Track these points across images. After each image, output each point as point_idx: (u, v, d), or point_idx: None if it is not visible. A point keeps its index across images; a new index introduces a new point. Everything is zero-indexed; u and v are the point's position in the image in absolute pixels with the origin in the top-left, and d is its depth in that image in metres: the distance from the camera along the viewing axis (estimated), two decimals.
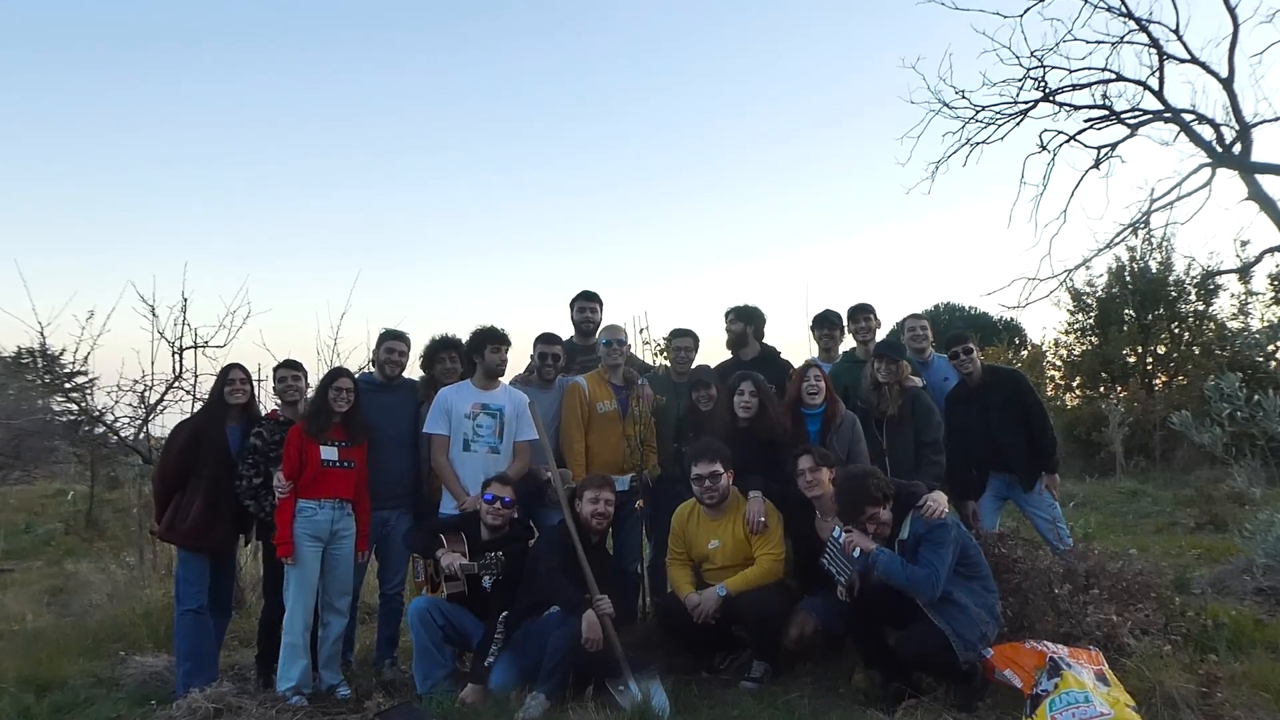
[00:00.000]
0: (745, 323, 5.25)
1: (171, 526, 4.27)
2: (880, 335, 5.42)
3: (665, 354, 5.27)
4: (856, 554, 3.61)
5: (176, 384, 6.22)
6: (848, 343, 5.47)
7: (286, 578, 4.19)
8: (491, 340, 4.63)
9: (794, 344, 5.28)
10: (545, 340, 4.89)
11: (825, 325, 5.38)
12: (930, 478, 4.42)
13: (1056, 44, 9.27)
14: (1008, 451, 4.86)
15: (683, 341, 5.20)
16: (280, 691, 4.09)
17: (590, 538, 4.17)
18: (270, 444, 4.31)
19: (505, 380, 4.78)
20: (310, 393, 4.54)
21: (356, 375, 4.61)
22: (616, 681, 3.82)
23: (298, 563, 4.13)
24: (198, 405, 6.03)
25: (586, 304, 5.28)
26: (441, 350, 4.86)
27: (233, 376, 4.40)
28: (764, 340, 5.33)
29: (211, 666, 4.25)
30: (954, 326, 11.57)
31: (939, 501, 3.74)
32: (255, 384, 4.56)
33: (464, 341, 4.83)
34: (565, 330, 5.40)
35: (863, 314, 5.28)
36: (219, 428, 4.34)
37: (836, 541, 3.70)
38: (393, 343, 4.72)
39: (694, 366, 5.07)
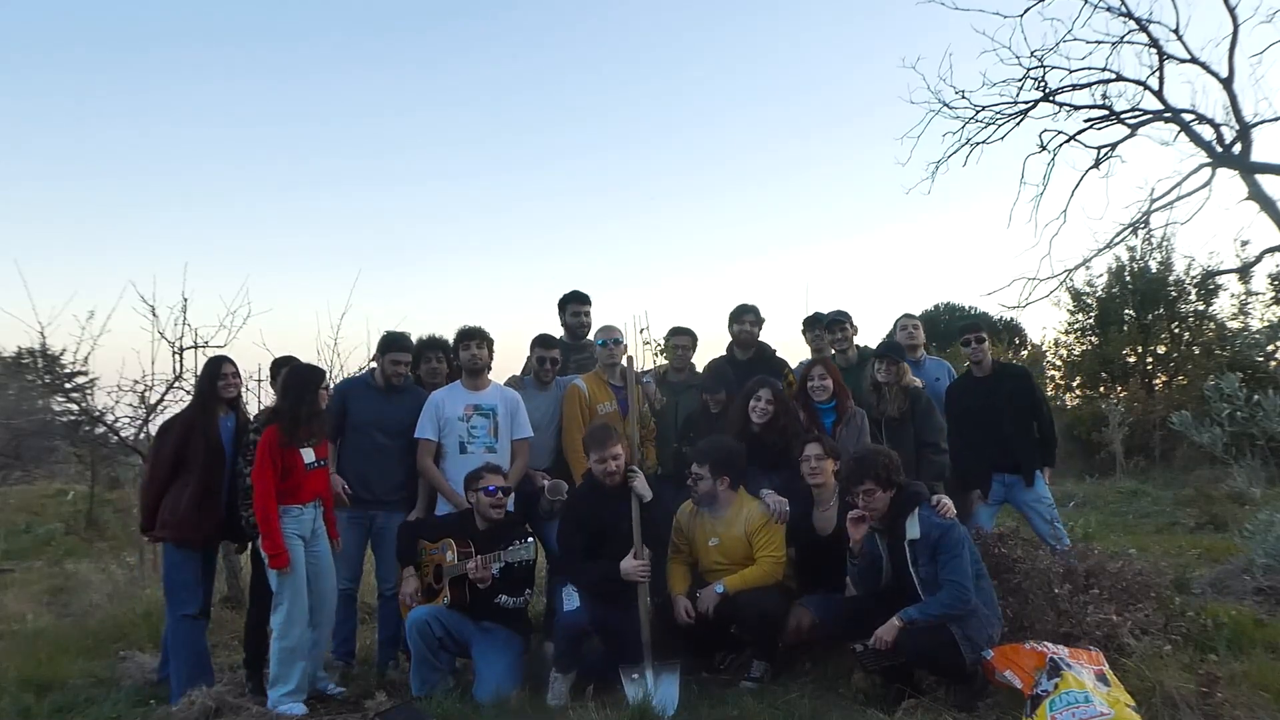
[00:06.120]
0: (760, 327, 5.30)
1: (162, 523, 4.20)
2: (860, 339, 5.46)
3: (664, 354, 5.28)
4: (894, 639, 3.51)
5: (176, 384, 6.22)
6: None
7: (278, 584, 3.97)
8: (462, 338, 4.63)
9: (794, 344, 5.35)
10: (543, 344, 4.89)
11: (816, 327, 5.39)
12: (931, 477, 4.44)
13: (1056, 44, 9.29)
14: (1015, 445, 4.86)
15: (681, 340, 5.21)
16: (277, 699, 3.94)
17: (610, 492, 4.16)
18: None
19: (500, 380, 4.78)
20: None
21: (356, 375, 4.62)
22: (631, 670, 3.85)
23: (291, 567, 3.97)
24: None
25: (580, 307, 5.28)
26: (428, 350, 4.85)
27: (226, 370, 4.34)
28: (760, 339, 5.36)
29: (209, 673, 4.19)
30: (954, 326, 11.54)
31: (947, 503, 3.82)
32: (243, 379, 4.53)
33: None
34: (556, 331, 5.40)
35: (839, 325, 5.24)
36: (213, 420, 4.27)
37: (872, 649, 3.56)
38: (398, 354, 4.68)
39: (709, 361, 5.07)
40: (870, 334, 6.56)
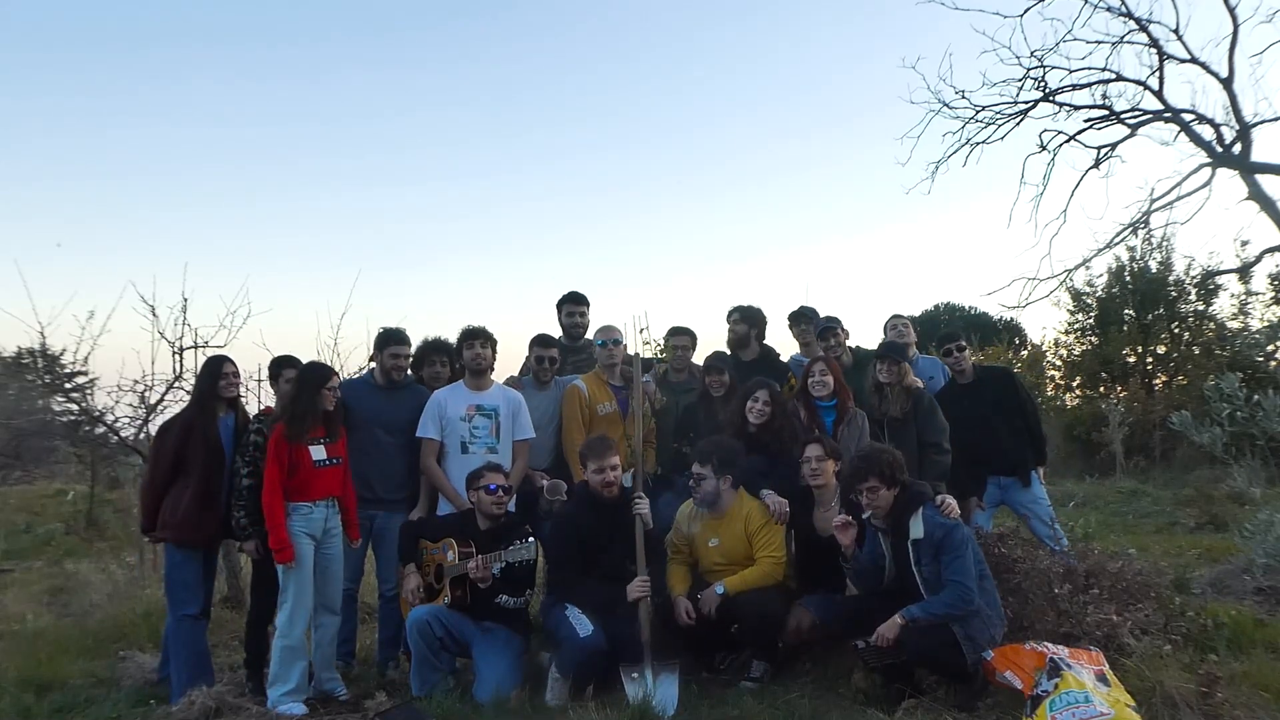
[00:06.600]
0: (749, 325, 5.25)
1: (163, 524, 4.20)
2: (859, 340, 5.45)
3: (664, 353, 5.27)
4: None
5: (177, 384, 6.22)
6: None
7: (284, 581, 4.03)
8: (466, 338, 4.64)
9: (793, 345, 5.35)
10: (541, 343, 4.89)
11: (802, 321, 5.38)
12: (934, 477, 4.44)
13: (1056, 44, 9.33)
14: (1007, 446, 4.88)
15: (680, 340, 5.21)
16: (277, 698, 3.94)
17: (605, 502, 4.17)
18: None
19: (500, 379, 4.78)
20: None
21: (356, 375, 4.61)
22: (631, 669, 3.86)
23: (298, 564, 4.00)
24: None
25: (575, 307, 5.28)
26: (431, 353, 4.85)
27: (227, 370, 4.34)
28: (764, 342, 5.33)
29: (209, 673, 4.19)
30: (954, 327, 11.56)
31: (951, 503, 3.83)
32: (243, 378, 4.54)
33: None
34: (555, 332, 5.40)
35: (831, 333, 5.18)
36: (212, 420, 4.28)
37: (874, 646, 3.56)
38: (397, 348, 4.68)
39: (711, 353, 5.05)
40: (870, 335, 6.59)
